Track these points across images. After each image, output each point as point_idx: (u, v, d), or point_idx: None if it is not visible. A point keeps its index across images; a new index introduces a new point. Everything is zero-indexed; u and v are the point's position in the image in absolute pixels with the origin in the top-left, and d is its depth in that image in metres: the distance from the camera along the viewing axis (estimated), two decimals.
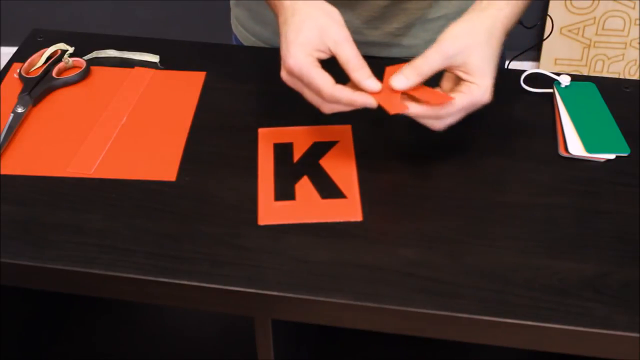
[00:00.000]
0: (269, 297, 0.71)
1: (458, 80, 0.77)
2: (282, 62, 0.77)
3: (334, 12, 0.77)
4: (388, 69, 0.78)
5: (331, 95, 0.75)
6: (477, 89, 0.76)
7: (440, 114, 0.76)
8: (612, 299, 0.70)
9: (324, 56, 0.77)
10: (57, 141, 0.87)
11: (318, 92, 0.76)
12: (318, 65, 0.76)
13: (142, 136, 0.87)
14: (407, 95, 0.77)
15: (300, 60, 0.75)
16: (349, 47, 0.76)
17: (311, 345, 1.02)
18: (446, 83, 0.79)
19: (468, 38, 0.76)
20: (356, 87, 0.76)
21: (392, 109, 0.75)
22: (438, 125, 0.78)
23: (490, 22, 0.77)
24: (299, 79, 0.76)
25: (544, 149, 0.86)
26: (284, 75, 0.78)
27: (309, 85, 0.76)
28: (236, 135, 0.87)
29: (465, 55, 0.75)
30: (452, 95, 0.76)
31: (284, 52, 0.77)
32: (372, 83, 0.76)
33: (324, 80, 0.75)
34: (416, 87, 0.76)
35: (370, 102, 0.76)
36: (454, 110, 0.76)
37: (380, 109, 0.77)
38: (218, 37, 1.28)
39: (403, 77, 0.76)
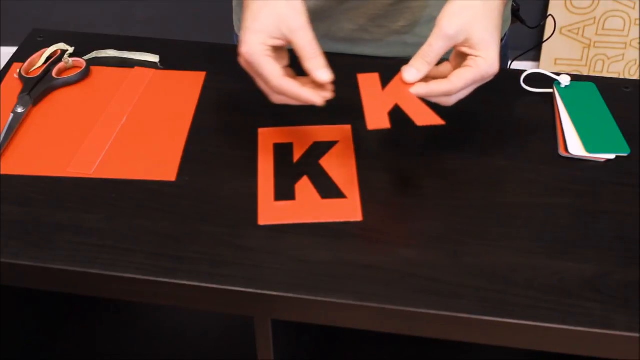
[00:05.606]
0: (269, 297, 0.71)
1: (464, 56, 0.76)
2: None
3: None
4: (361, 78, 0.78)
5: (278, 86, 0.75)
6: (484, 62, 0.75)
7: (450, 92, 0.76)
8: (612, 299, 0.70)
9: (280, 43, 0.76)
10: (57, 141, 0.86)
11: (266, 82, 0.76)
12: (269, 54, 0.75)
13: (142, 136, 0.87)
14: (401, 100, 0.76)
15: (251, 47, 0.75)
16: (304, 34, 0.75)
17: (311, 345, 1.02)
18: (454, 59, 0.79)
19: (466, 14, 0.75)
20: (313, 81, 0.75)
21: (372, 124, 0.74)
22: (448, 101, 0.77)
23: None
24: (251, 66, 0.77)
25: (544, 149, 0.86)
26: (240, 60, 0.78)
27: (258, 74, 0.76)
28: (236, 135, 0.87)
29: (467, 31, 0.74)
30: (460, 70, 0.75)
31: (240, 38, 0.77)
32: (324, 74, 0.75)
33: (272, 70, 0.75)
34: (410, 101, 0.75)
35: (316, 100, 0.75)
36: (462, 87, 0.76)
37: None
38: (218, 37, 1.28)
39: (414, 70, 0.75)
